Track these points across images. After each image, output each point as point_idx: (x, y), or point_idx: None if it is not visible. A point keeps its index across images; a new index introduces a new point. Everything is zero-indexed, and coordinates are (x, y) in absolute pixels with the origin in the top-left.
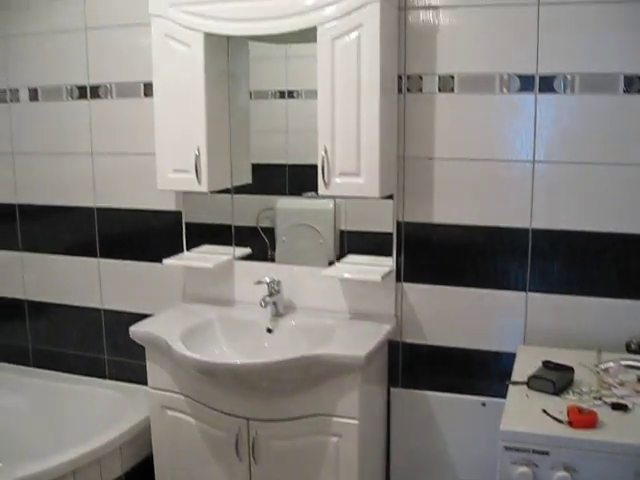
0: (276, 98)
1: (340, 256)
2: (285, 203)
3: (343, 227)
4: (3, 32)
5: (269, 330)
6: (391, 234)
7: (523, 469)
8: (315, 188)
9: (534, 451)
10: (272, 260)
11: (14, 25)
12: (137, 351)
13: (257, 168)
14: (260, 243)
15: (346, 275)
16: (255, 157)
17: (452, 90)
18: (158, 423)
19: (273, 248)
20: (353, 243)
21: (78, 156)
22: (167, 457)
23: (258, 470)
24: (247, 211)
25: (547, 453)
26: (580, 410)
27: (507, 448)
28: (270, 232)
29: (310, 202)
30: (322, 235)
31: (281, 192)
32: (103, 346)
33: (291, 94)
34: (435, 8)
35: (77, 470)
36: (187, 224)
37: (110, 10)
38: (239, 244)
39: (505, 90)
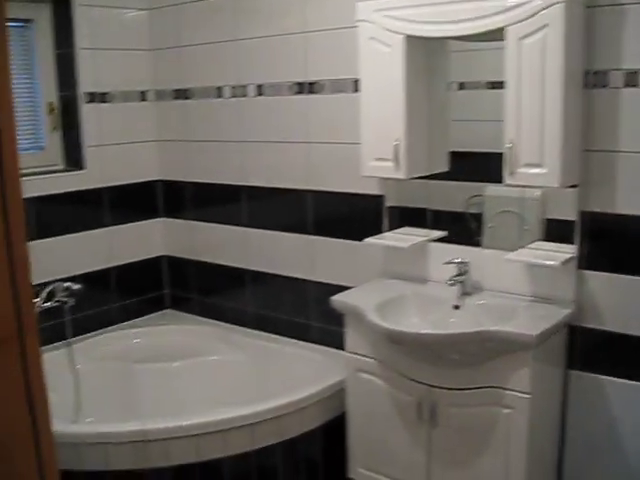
0: (487, 88)
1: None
2: (494, 190)
3: (549, 215)
4: (234, 36)
5: (456, 307)
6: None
7: None
8: None
9: None
10: (477, 244)
11: (244, 30)
12: (339, 319)
13: (466, 155)
14: (463, 227)
15: (526, 259)
16: (465, 145)
17: (636, 85)
18: (352, 384)
19: (479, 233)
20: (557, 231)
21: (296, 145)
22: (359, 415)
23: (436, 433)
24: (455, 197)
25: None
26: None
27: None
28: (478, 218)
29: (518, 190)
30: (528, 222)
31: (490, 179)
32: (312, 314)
33: (502, 85)
34: (622, 5)
35: (281, 416)
36: (391, 207)
37: (324, 16)
38: (443, 228)
39: None
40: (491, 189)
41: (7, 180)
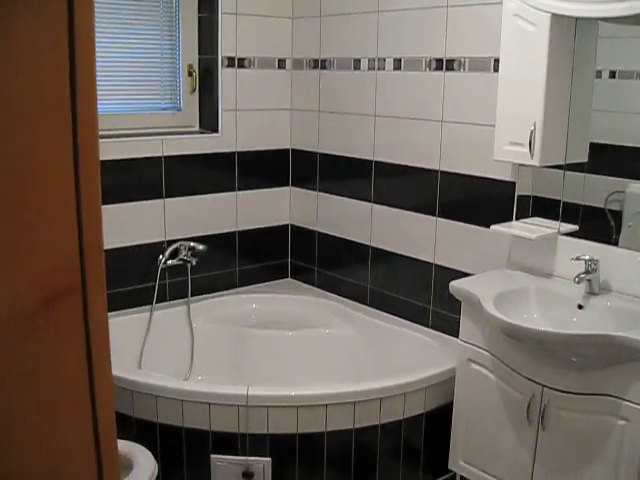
0: None
1: None
2: (636, 188)
3: None
4: (376, 8)
5: (580, 306)
6: None
7: None
8: None
9: None
10: (612, 243)
11: (386, 2)
12: (456, 305)
13: (609, 148)
14: (598, 224)
15: None
16: (609, 137)
17: None
18: (462, 373)
19: (616, 232)
20: None
21: (429, 123)
22: (465, 405)
23: (544, 436)
24: (592, 191)
25: None
26: None
27: None
28: (616, 215)
29: None
30: None
31: (634, 176)
32: (430, 297)
33: None
34: None
35: (385, 398)
36: (522, 196)
37: None
38: (575, 222)
39: None
40: (634, 186)
41: (81, 128)
